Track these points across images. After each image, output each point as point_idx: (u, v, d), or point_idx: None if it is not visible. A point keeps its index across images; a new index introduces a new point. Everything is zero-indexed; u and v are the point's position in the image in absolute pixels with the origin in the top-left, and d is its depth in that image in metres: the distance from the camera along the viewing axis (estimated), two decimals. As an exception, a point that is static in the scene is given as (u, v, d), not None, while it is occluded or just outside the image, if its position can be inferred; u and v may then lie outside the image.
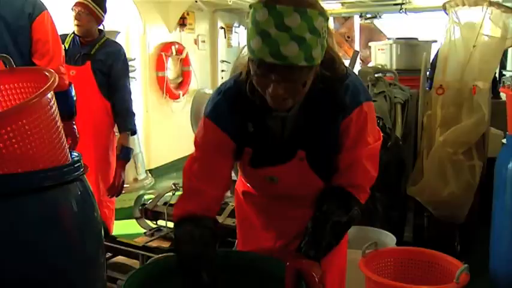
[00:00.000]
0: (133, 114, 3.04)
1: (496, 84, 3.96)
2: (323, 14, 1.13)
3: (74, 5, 2.93)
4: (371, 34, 8.45)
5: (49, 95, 1.44)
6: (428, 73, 3.66)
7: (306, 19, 1.08)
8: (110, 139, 3.11)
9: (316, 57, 1.12)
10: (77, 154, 1.60)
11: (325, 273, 1.25)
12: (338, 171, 1.34)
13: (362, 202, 1.36)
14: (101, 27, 3.21)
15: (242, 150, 1.36)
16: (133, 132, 3.07)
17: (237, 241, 1.72)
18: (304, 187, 1.37)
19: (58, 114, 1.50)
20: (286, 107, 1.20)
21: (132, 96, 3.10)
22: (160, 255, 1.59)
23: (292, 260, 1.20)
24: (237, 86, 1.31)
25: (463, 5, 3.14)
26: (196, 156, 1.36)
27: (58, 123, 1.49)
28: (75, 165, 1.51)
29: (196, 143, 1.37)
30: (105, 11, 3.05)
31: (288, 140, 1.31)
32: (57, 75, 1.50)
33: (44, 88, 1.43)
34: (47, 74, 1.51)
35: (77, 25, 2.95)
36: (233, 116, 1.31)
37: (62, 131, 1.52)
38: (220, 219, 2.67)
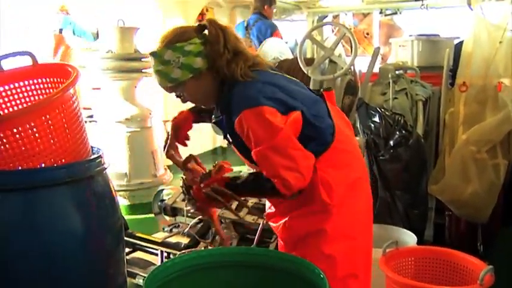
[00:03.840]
0: None
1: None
2: (170, 46, 1.54)
3: None
4: (390, 30, 8.34)
5: (71, 90, 1.45)
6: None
7: (156, 58, 1.56)
8: None
9: (177, 76, 1.55)
10: (98, 149, 1.61)
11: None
12: None
13: (278, 187, 1.51)
14: (120, 23, 3.20)
15: None
16: None
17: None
18: (249, 164, 1.68)
19: (80, 109, 1.51)
20: (194, 104, 1.74)
21: (152, 92, 3.11)
22: (179, 252, 1.59)
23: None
24: None
25: (490, -1, 3.08)
26: None
27: (80, 118, 1.50)
28: (97, 160, 1.51)
29: None
30: None
31: (218, 125, 1.65)
32: (79, 70, 1.51)
33: (67, 83, 1.43)
34: (70, 69, 1.52)
35: None
36: None
37: (84, 126, 1.53)
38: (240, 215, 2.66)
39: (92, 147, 1.61)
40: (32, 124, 1.37)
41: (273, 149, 1.47)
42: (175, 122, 1.87)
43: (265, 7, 5.30)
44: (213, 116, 1.66)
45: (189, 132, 1.86)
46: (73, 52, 5.61)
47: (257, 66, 1.59)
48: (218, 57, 1.54)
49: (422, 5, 6.80)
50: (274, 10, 5.58)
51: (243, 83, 1.52)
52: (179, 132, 1.87)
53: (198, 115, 1.87)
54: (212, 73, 1.56)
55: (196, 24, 1.60)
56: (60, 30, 5.56)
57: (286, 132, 1.47)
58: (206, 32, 1.57)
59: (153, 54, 1.57)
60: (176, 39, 1.55)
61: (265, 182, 1.52)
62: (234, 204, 2.73)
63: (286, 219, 1.64)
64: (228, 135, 1.63)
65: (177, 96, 1.65)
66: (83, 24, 5.81)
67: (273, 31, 5.24)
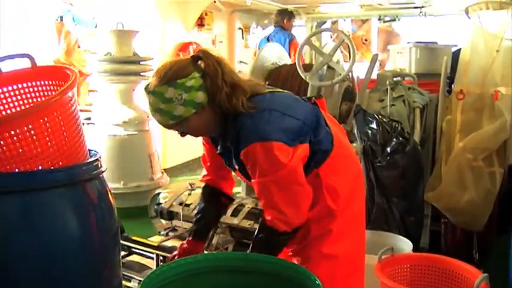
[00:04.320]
0: None
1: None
2: (172, 83, 1.48)
3: None
4: (389, 37, 8.37)
5: (70, 93, 1.45)
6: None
7: (156, 95, 1.49)
8: None
9: (180, 113, 1.50)
10: (95, 152, 1.61)
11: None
12: None
13: (269, 224, 1.54)
14: (119, 27, 3.21)
15: None
16: None
17: None
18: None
19: (78, 112, 1.51)
20: (199, 136, 1.68)
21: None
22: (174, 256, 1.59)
23: None
24: None
25: (487, 8, 3.09)
26: None
27: (78, 121, 1.50)
28: (94, 164, 1.51)
29: None
30: None
31: (223, 156, 1.67)
32: (77, 73, 1.51)
33: (65, 86, 1.44)
34: (68, 72, 1.52)
35: None
36: None
37: (82, 129, 1.53)
38: (236, 220, 2.66)
39: (89, 150, 1.61)
40: (30, 126, 1.37)
41: (275, 182, 1.50)
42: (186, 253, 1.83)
43: (285, 21, 5.86)
44: (219, 147, 1.65)
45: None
46: (74, 37, 5.64)
47: (255, 92, 1.58)
48: (218, 92, 1.52)
49: (420, 12, 6.83)
50: (294, 23, 6.11)
51: (249, 114, 1.52)
52: None
53: (202, 239, 1.91)
54: (213, 106, 1.54)
55: (190, 56, 1.57)
56: (61, 18, 5.61)
57: (291, 168, 1.49)
58: (201, 63, 1.54)
59: (152, 92, 1.51)
60: (176, 75, 1.50)
61: (266, 235, 1.55)
62: (231, 209, 2.74)
63: None
64: (234, 164, 1.63)
65: (178, 132, 1.60)
66: (80, 14, 5.87)
67: (290, 40, 5.75)
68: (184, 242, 1.88)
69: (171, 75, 1.50)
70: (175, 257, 1.82)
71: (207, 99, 1.51)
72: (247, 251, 1.55)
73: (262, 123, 1.50)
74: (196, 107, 1.51)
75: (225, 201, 1.94)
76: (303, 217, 1.54)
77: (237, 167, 1.63)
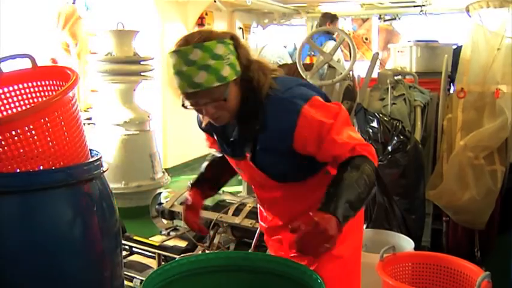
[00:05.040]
0: None
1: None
2: (222, 40, 1.34)
3: None
4: (389, 36, 8.37)
5: (71, 94, 1.45)
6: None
7: (205, 50, 1.31)
8: None
9: (227, 75, 1.34)
10: (96, 152, 1.61)
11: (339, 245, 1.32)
12: (328, 163, 1.47)
13: (365, 154, 1.38)
14: (120, 26, 3.19)
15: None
16: None
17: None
18: (260, 180, 1.56)
19: (79, 112, 1.51)
20: (222, 122, 1.44)
21: (150, 96, 3.11)
22: (178, 256, 1.59)
23: (313, 213, 1.24)
24: None
25: (488, 6, 3.08)
26: None
27: (79, 121, 1.50)
28: (95, 163, 1.51)
29: None
30: None
31: (238, 142, 1.51)
32: (78, 73, 1.51)
33: (66, 86, 1.44)
34: (69, 72, 1.52)
35: None
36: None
37: (83, 129, 1.53)
38: (237, 220, 2.66)
39: (90, 150, 1.61)
40: (31, 127, 1.37)
41: (343, 123, 1.41)
42: (189, 205, 1.75)
43: (328, 24, 6.02)
44: (233, 133, 1.50)
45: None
46: (83, 23, 5.65)
47: (274, 74, 1.49)
48: (251, 64, 1.40)
49: (421, 10, 6.83)
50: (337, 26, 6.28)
51: (279, 91, 1.42)
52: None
53: (203, 190, 1.76)
54: (242, 82, 1.40)
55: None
56: (74, 1, 5.61)
57: (343, 109, 1.44)
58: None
59: (200, 46, 1.31)
60: (221, 36, 1.36)
61: (362, 165, 1.35)
62: (232, 209, 2.74)
63: None
64: (245, 151, 1.50)
65: (203, 111, 1.39)
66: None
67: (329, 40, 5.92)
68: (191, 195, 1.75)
69: (216, 35, 1.35)
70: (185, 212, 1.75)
71: (240, 72, 1.38)
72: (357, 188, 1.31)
73: (296, 90, 1.43)
74: (237, 73, 1.37)
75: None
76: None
77: (248, 154, 1.50)
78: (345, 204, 1.26)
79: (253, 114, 1.42)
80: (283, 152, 1.44)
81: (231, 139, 1.51)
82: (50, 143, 1.41)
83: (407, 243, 2.42)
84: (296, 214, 1.52)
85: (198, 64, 1.30)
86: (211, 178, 1.79)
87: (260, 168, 1.51)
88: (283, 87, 1.43)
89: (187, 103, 1.39)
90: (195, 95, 1.34)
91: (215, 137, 1.61)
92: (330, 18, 5.99)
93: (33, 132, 1.37)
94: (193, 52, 1.30)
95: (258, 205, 1.78)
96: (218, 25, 6.89)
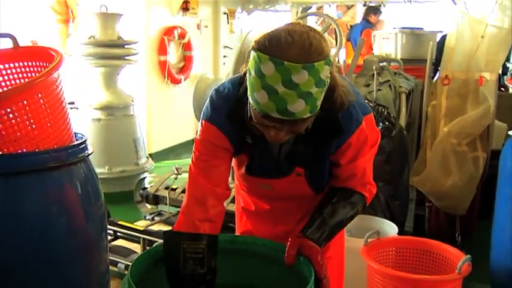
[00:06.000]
0: None
1: (499, 76, 3.93)
2: (328, 60, 1.07)
3: None
4: (374, 23, 8.37)
5: (55, 75, 1.42)
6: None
7: (313, 74, 1.04)
8: None
9: (319, 104, 1.11)
10: (81, 135, 1.59)
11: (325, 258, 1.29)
12: (338, 178, 1.38)
13: (367, 195, 1.40)
14: (103, 9, 3.11)
15: (239, 155, 1.38)
16: None
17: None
18: (296, 194, 1.42)
19: (64, 94, 1.48)
20: (282, 141, 1.21)
21: (134, 80, 3.07)
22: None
23: (295, 237, 1.23)
24: (235, 94, 1.29)
25: (473, -6, 3.10)
26: (199, 157, 1.35)
27: (64, 104, 1.47)
28: (80, 147, 1.49)
29: (196, 145, 1.36)
30: None
31: (285, 158, 1.34)
32: (62, 54, 1.48)
33: (49, 68, 1.40)
34: (53, 53, 1.49)
35: None
36: (232, 123, 1.29)
37: (68, 112, 1.50)
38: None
39: (75, 133, 1.58)
40: (8, 110, 1.33)
41: (374, 153, 1.39)
42: None
43: (371, 15, 6.52)
44: (282, 152, 1.32)
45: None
46: None
47: None
48: (336, 86, 1.19)
49: (406, -2, 6.84)
50: (379, 18, 6.75)
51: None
52: None
53: None
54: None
55: None
56: None
57: (379, 139, 1.41)
58: None
59: (309, 68, 1.03)
60: (327, 51, 1.09)
61: (353, 201, 1.35)
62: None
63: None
64: (301, 168, 1.34)
65: (271, 132, 1.15)
66: None
67: (363, 29, 6.34)
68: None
69: (326, 48, 1.08)
70: None
71: None
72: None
73: (359, 99, 1.33)
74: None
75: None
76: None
77: (301, 169, 1.34)
78: (329, 235, 1.28)
79: (326, 130, 1.26)
80: (327, 159, 1.36)
81: (284, 153, 1.33)
82: (32, 126, 1.38)
83: (391, 228, 2.45)
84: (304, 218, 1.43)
85: (300, 90, 1.03)
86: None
87: (309, 181, 1.37)
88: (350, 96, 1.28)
89: (258, 117, 1.12)
90: (279, 121, 1.09)
91: (245, 154, 1.37)
92: (373, 11, 6.49)
93: (12, 115, 1.33)
94: (300, 74, 1.02)
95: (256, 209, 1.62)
96: (203, 9, 6.82)
